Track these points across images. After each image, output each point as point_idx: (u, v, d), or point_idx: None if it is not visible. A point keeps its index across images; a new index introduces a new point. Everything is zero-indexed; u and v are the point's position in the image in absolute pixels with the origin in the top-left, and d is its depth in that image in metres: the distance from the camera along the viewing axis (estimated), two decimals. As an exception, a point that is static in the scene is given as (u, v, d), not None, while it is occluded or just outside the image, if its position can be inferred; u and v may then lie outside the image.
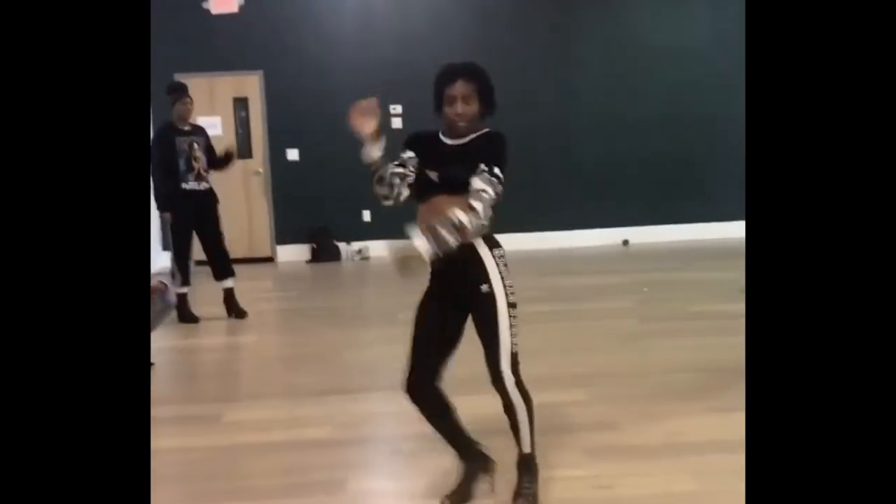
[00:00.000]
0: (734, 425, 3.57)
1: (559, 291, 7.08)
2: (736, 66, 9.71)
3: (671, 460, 3.21)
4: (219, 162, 6.36)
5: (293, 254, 9.88)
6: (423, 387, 2.86)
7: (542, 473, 3.13)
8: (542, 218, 9.64)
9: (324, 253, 9.74)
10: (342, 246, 9.78)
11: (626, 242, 9.96)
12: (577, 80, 9.77)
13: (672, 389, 4.09)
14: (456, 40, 9.59)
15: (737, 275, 8.32)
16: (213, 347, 5.94)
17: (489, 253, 2.76)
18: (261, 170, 9.85)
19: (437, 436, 2.92)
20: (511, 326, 2.72)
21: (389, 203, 2.81)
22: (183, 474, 3.19)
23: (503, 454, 2.94)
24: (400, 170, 2.76)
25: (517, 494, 2.85)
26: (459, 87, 2.71)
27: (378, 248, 9.74)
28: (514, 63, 9.60)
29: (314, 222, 9.75)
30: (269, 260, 9.89)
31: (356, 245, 9.73)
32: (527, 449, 2.86)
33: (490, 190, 2.64)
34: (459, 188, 2.70)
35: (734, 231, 9.93)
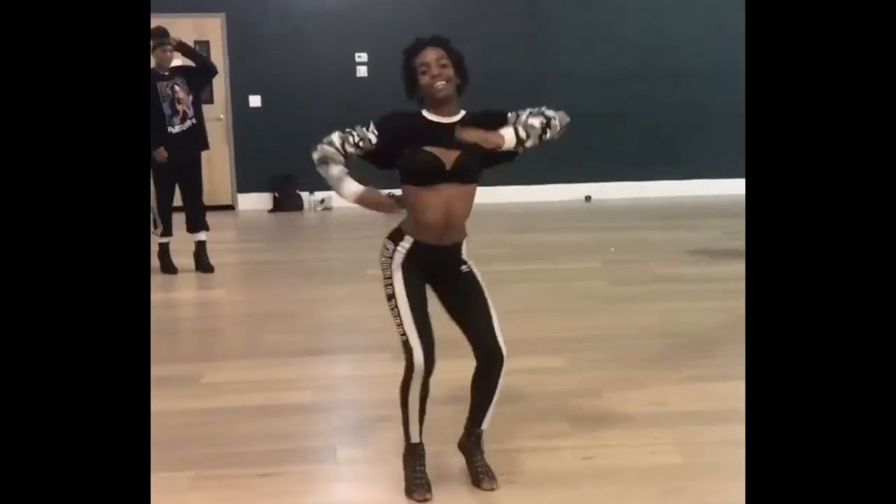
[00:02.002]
0: (711, 396, 3.67)
1: (527, 249, 7.12)
2: (704, 24, 9.77)
3: (653, 430, 3.26)
4: (201, 77, 6.24)
5: (254, 202, 9.76)
6: (430, 374, 2.78)
7: (527, 443, 3.17)
8: (504, 172, 9.62)
9: (286, 202, 9.63)
10: (305, 195, 9.68)
11: (588, 198, 10.03)
12: (545, 35, 9.71)
13: (648, 356, 4.15)
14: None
15: (699, 235, 8.51)
16: (184, 302, 5.87)
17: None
18: (222, 116, 9.65)
19: (416, 418, 2.84)
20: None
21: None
22: (167, 440, 3.15)
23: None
24: (335, 151, 2.67)
25: (482, 474, 2.83)
26: (430, 53, 2.64)
27: (341, 199, 9.66)
28: (482, 14, 9.50)
29: (277, 171, 9.62)
30: (230, 208, 9.76)
31: (319, 195, 9.63)
32: (486, 425, 2.86)
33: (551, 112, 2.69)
34: (472, 179, 2.67)
35: (697, 189, 10.07)
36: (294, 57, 9.48)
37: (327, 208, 9.63)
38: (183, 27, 9.31)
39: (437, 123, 2.66)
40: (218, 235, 7.58)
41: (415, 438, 2.85)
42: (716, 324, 4.74)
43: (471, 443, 2.89)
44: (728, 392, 3.61)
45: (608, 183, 10.03)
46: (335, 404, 3.70)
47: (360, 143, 2.67)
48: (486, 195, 9.19)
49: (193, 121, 6.14)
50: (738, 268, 5.78)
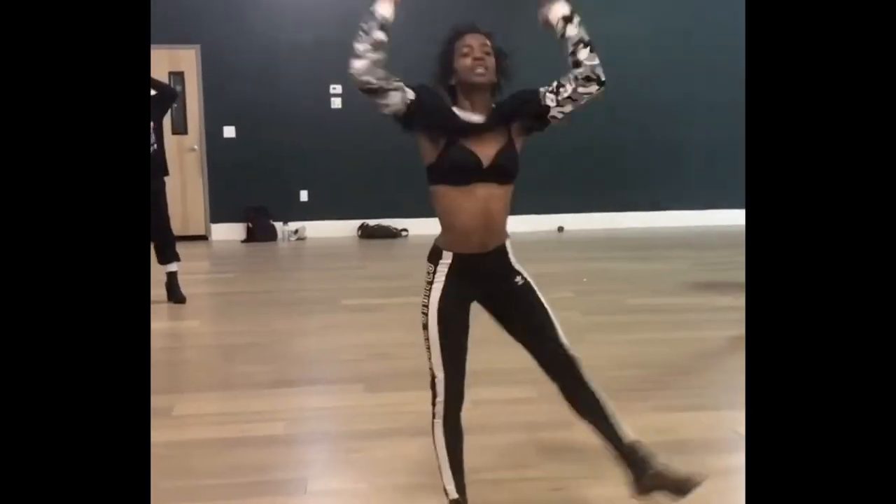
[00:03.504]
0: (680, 425, 3.71)
1: (500, 280, 7.17)
2: (670, 56, 9.94)
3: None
4: (161, 103, 6.25)
5: (228, 233, 9.75)
6: (458, 413, 2.54)
7: (496, 475, 3.18)
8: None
9: (259, 232, 9.64)
10: (278, 226, 9.69)
11: (560, 229, 10.12)
12: (514, 66, 9.80)
13: (619, 387, 4.16)
14: (398, 22, 9.55)
15: (670, 266, 8.58)
16: (156, 332, 5.83)
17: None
18: (196, 146, 9.67)
19: (446, 463, 2.59)
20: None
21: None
22: (138, 473, 3.14)
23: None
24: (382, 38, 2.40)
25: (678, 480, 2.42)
26: (475, 38, 2.44)
27: (315, 229, 9.68)
28: (457, 47, 9.64)
29: (250, 201, 9.64)
30: (203, 238, 9.74)
31: (293, 225, 9.65)
32: (631, 436, 2.50)
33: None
34: (510, 178, 2.45)
35: (668, 220, 10.20)
36: (268, 88, 9.54)
37: (301, 238, 9.64)
38: (158, 58, 9.34)
39: (468, 122, 2.42)
40: (191, 266, 7.57)
41: (451, 493, 2.54)
42: (686, 354, 4.80)
43: (639, 463, 2.49)
44: (697, 422, 3.66)
45: (581, 214, 10.15)
46: (306, 436, 3.71)
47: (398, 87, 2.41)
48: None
49: (155, 146, 6.13)
50: (708, 299, 5.88)
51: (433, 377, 2.51)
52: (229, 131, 9.68)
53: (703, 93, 10.11)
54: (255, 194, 9.62)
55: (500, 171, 2.41)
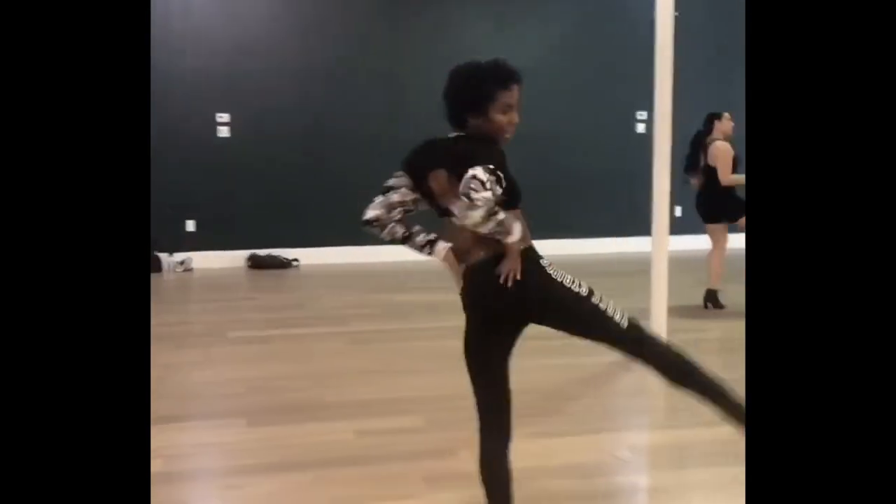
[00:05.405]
0: (561, 450, 3.78)
1: (391, 308, 7.17)
2: (559, 85, 10.19)
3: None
4: None
5: (110, 264, 9.43)
6: (500, 458, 2.49)
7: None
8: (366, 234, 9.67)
9: (143, 264, 9.35)
10: (163, 257, 9.44)
11: (451, 258, 10.20)
12: (404, 97, 9.83)
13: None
14: (288, 51, 9.53)
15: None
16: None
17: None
18: (76, 175, 9.35)
19: None
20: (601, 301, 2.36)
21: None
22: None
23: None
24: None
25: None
26: (517, 94, 2.33)
27: (202, 260, 9.48)
28: (347, 82, 9.68)
29: (134, 232, 9.35)
30: (84, 270, 9.40)
31: (179, 256, 9.41)
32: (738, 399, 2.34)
33: None
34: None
35: (562, 248, 10.39)
36: (152, 117, 9.31)
37: (187, 269, 9.40)
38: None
39: None
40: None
41: None
42: (566, 380, 4.90)
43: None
44: (576, 447, 3.74)
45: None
46: (185, 474, 3.60)
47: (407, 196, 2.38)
48: (347, 255, 9.27)
49: None
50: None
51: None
52: (111, 160, 9.40)
53: (601, 121, 10.42)
54: (138, 224, 9.35)
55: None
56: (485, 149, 2.26)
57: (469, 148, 2.28)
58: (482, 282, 2.33)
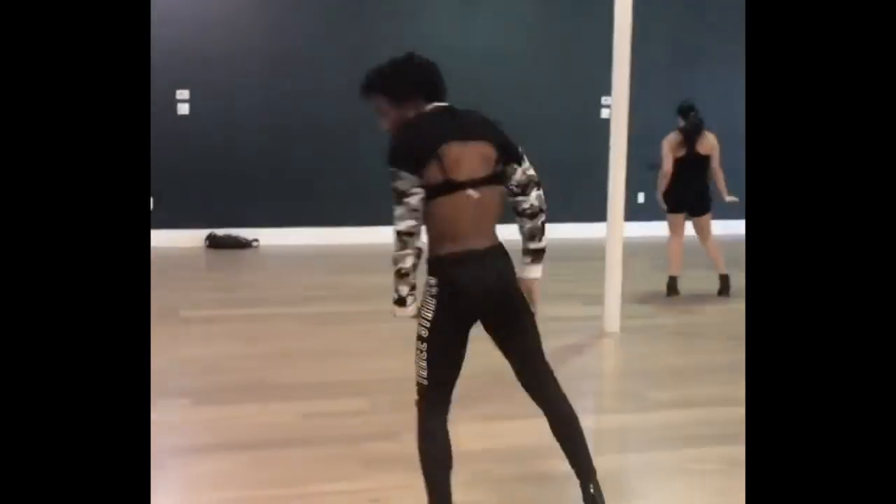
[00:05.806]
0: (504, 433, 3.77)
1: (350, 290, 7.11)
2: (524, 68, 10.15)
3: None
4: None
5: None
6: (444, 427, 2.60)
7: (317, 488, 3.14)
8: (338, 213, 9.55)
9: (100, 241, 9.22)
10: (120, 235, 9.29)
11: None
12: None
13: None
14: (253, 27, 9.41)
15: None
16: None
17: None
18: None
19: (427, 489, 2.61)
20: None
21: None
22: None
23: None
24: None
25: None
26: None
27: (160, 239, 9.35)
28: (308, 51, 9.57)
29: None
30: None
31: (136, 234, 9.28)
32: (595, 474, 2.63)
33: None
34: None
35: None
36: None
37: (145, 248, 9.28)
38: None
39: None
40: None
41: None
42: (499, 363, 4.88)
43: (594, 484, 2.63)
44: (524, 430, 3.73)
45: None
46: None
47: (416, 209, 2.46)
48: (309, 236, 9.18)
49: None
50: (551, 308, 6.00)
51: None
52: (68, 135, 9.23)
53: (565, 105, 10.40)
54: (95, 201, 9.21)
55: None
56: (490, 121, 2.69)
57: (479, 116, 2.68)
58: (484, 266, 2.49)
